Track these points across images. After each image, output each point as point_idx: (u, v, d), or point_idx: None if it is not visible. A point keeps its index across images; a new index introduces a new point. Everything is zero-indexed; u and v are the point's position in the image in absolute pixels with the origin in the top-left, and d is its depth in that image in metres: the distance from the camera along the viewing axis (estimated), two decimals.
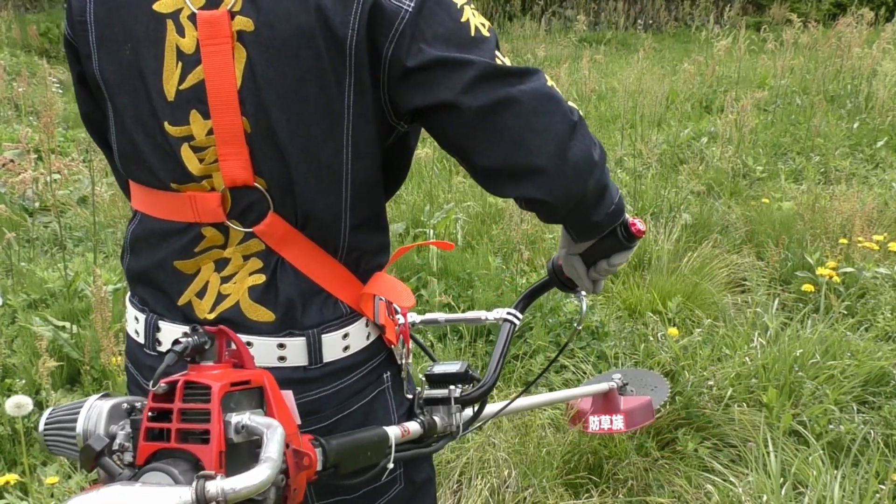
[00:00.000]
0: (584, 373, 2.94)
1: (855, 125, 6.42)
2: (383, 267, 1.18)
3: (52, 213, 3.87)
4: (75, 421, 0.91)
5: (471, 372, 1.29)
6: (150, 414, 0.86)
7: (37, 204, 4.56)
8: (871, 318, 3.38)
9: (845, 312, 3.42)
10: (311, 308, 1.08)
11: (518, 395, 1.69)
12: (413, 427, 1.18)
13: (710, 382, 2.86)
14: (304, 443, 0.93)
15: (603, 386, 2.31)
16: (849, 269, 3.67)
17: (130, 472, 0.83)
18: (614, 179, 5.17)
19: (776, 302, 3.53)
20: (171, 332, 1.10)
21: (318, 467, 0.95)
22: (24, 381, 2.71)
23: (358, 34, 0.98)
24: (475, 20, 1.03)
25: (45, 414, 0.96)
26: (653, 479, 2.52)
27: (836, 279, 3.55)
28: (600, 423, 2.28)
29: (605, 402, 2.30)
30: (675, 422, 2.74)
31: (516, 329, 1.49)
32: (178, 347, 0.88)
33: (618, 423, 2.26)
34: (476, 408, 1.35)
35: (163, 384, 0.86)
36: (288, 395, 0.98)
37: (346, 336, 1.11)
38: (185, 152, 1.04)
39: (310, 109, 1.01)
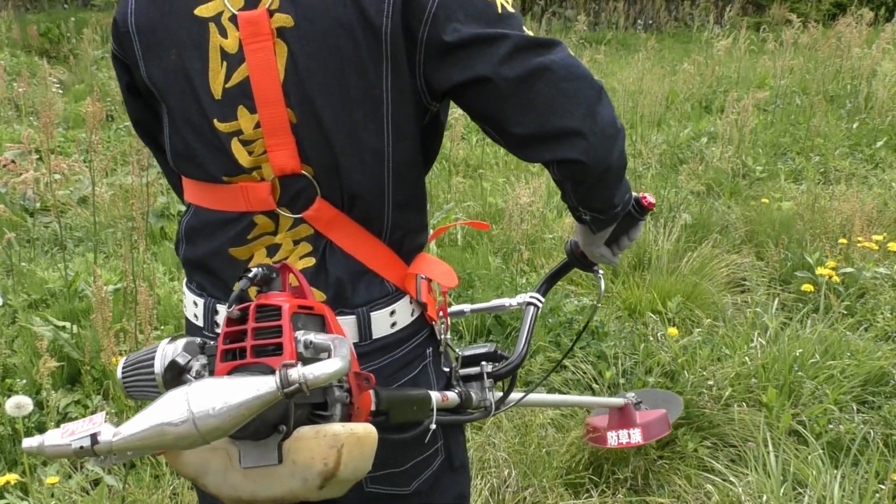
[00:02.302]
0: (584, 372, 2.95)
1: (854, 125, 6.42)
2: (423, 246, 1.25)
3: (53, 214, 3.87)
4: (153, 362, 0.98)
5: (500, 352, 1.41)
6: (224, 339, 0.93)
7: (37, 204, 4.56)
8: (871, 317, 3.39)
9: (845, 312, 3.43)
10: (360, 287, 1.15)
11: (538, 384, 1.77)
12: (451, 396, 1.27)
13: (710, 382, 2.86)
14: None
15: (619, 400, 2.34)
16: (848, 269, 3.67)
17: None
18: None
19: (776, 302, 3.53)
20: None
21: (373, 408, 1.03)
22: (24, 381, 2.71)
23: (393, 21, 1.03)
24: None
25: (121, 362, 1.02)
26: (653, 479, 2.52)
27: (836, 279, 3.55)
28: (618, 438, 2.31)
29: (622, 417, 2.34)
30: (676, 422, 2.74)
31: (539, 311, 1.59)
32: (249, 275, 0.98)
33: (635, 436, 2.28)
34: (505, 388, 1.46)
35: (236, 310, 0.95)
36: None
37: (392, 313, 1.18)
38: (235, 146, 1.10)
39: (351, 96, 1.07)
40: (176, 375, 0.95)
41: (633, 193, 1.32)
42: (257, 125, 1.08)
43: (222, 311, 1.16)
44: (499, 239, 4.18)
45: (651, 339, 3.18)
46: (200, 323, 1.21)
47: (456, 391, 1.30)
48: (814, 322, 3.28)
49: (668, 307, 3.48)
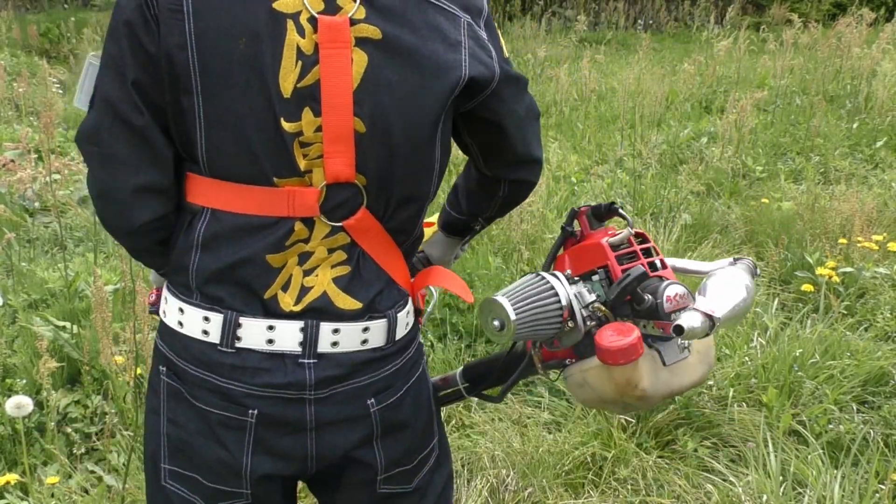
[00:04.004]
0: None
1: (854, 125, 6.42)
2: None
3: (53, 214, 3.87)
4: (550, 297, 1.15)
5: None
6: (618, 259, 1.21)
7: (37, 204, 4.56)
8: (871, 317, 3.38)
9: (845, 312, 3.42)
10: (385, 293, 1.18)
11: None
12: None
13: (710, 382, 2.86)
14: None
15: None
16: (848, 269, 3.67)
17: (651, 298, 1.15)
18: (615, 179, 5.19)
19: (776, 302, 3.53)
20: (252, 328, 1.11)
21: None
22: (24, 381, 2.71)
23: (468, 52, 1.13)
24: (503, 44, 1.22)
25: (507, 304, 1.14)
26: (653, 479, 2.52)
27: (836, 279, 3.55)
28: None
29: None
30: (675, 422, 2.74)
31: None
32: (625, 215, 1.24)
33: None
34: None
35: (617, 236, 1.22)
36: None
37: (407, 314, 1.23)
38: (296, 148, 1.08)
39: (422, 113, 1.11)
40: (640, 280, 1.15)
41: None
42: (318, 129, 1.07)
43: (246, 323, 1.11)
44: (499, 239, 4.18)
45: None
46: (214, 339, 1.12)
47: None
48: (814, 322, 3.28)
49: None
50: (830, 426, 2.66)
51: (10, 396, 2.22)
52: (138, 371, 2.65)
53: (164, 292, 1.20)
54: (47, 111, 3.11)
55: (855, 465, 2.46)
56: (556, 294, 1.12)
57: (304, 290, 1.12)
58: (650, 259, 1.19)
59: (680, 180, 5.19)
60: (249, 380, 1.12)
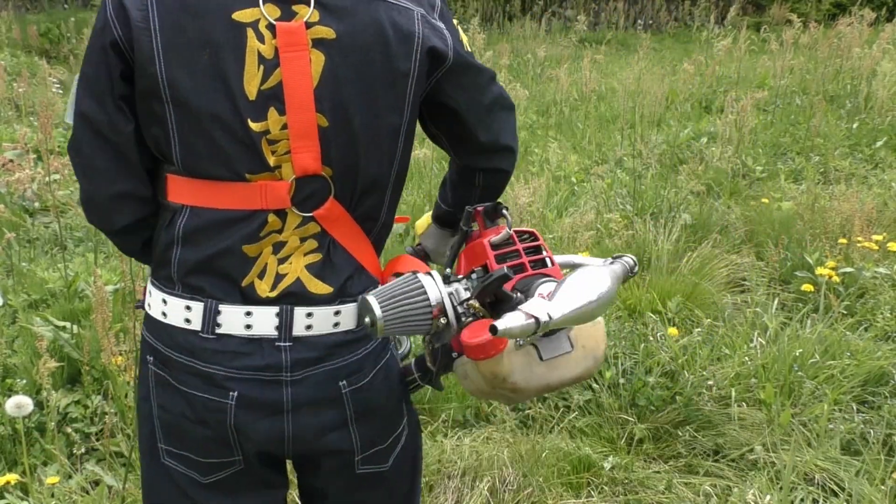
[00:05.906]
0: None
1: (854, 125, 6.42)
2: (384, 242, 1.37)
3: (53, 214, 3.87)
4: (418, 295, 1.11)
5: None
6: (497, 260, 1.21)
7: (37, 204, 4.56)
8: (871, 317, 3.39)
9: (844, 312, 3.43)
10: (355, 280, 1.25)
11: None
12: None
13: (710, 382, 2.86)
14: None
15: None
16: (848, 269, 3.67)
17: (523, 296, 1.12)
18: (615, 179, 5.19)
19: (776, 302, 3.53)
20: (231, 314, 1.20)
21: None
22: (24, 381, 2.71)
23: (422, 44, 1.20)
24: (464, 37, 1.29)
25: (375, 302, 1.10)
26: (652, 480, 2.52)
27: (836, 279, 3.55)
28: None
29: None
30: (675, 421, 2.74)
31: None
32: (507, 215, 1.29)
33: None
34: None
35: (499, 235, 1.24)
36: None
37: None
38: (264, 145, 1.16)
39: (381, 104, 1.19)
40: (503, 283, 1.11)
41: None
42: (284, 126, 1.14)
43: (225, 310, 1.19)
44: None
45: (651, 339, 3.17)
46: (196, 327, 1.20)
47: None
48: (814, 322, 3.28)
49: (667, 307, 3.48)
50: (830, 426, 2.66)
51: (10, 396, 2.22)
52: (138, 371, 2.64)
53: (149, 286, 1.28)
54: (47, 111, 3.11)
55: None
56: (426, 292, 1.11)
57: (278, 278, 1.20)
58: (537, 257, 1.21)
59: (680, 180, 5.19)
60: (229, 363, 1.19)
